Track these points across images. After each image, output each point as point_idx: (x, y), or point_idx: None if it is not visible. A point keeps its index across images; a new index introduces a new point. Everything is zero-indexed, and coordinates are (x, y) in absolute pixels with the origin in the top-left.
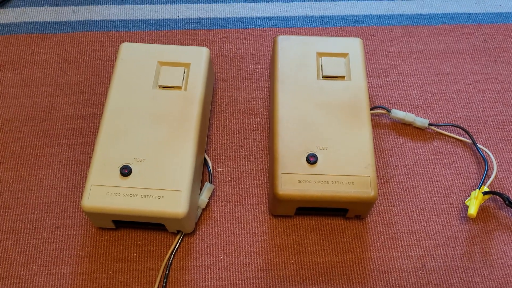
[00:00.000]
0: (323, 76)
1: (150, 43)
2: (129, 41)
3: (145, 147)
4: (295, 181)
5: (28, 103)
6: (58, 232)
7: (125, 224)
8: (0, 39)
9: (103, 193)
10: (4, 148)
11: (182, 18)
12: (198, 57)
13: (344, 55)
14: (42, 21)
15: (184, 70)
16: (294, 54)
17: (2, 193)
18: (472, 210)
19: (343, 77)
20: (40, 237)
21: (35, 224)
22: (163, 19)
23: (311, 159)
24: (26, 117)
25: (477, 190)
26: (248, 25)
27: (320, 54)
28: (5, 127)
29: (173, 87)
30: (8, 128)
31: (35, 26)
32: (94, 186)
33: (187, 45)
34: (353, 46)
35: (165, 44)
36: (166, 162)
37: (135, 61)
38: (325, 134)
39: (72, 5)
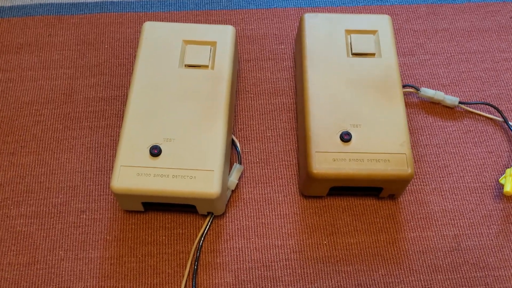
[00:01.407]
0: (352, 54)
1: None
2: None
3: (174, 127)
4: (329, 159)
5: (47, 86)
6: (84, 216)
7: (154, 206)
8: (16, 21)
9: (133, 174)
10: (25, 132)
11: None
12: (224, 35)
13: (373, 32)
14: (59, 2)
15: (210, 48)
16: (322, 31)
17: (25, 177)
18: (509, 188)
19: (373, 54)
20: (65, 221)
21: (59, 208)
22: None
23: (345, 137)
24: (46, 100)
25: None
26: (269, 5)
27: (349, 32)
28: (25, 110)
29: (199, 66)
30: (28, 111)
31: (51, 7)
32: (124, 167)
33: None
34: (382, 23)
35: None
36: (196, 141)
37: (159, 40)
38: (358, 111)
39: None
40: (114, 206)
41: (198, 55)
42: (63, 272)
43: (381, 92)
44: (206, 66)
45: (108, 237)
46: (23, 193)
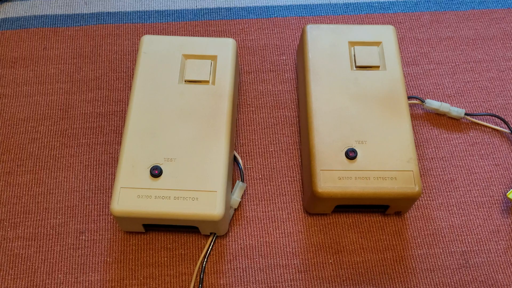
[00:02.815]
0: (356, 66)
1: (168, 35)
2: (146, 34)
3: (175, 146)
4: (335, 178)
5: (43, 101)
6: (83, 237)
7: (155, 227)
8: (10, 34)
9: (134, 196)
10: (20, 150)
11: (201, 8)
12: (224, 49)
13: (377, 43)
14: (53, 14)
15: (211, 63)
16: (325, 43)
17: (21, 197)
18: None
19: (378, 67)
20: (64, 243)
21: (58, 230)
22: (180, 10)
23: (351, 154)
24: (42, 116)
25: None
26: (270, 15)
27: (352, 43)
28: (20, 127)
29: (200, 82)
30: (24, 128)
31: (46, 19)
32: (124, 188)
33: (208, 36)
34: (386, 34)
35: (185, 36)
36: (198, 161)
37: (158, 54)
38: (363, 127)
39: None
40: (114, 226)
41: (198, 70)
42: None
43: (387, 106)
44: (207, 82)
45: (108, 259)
46: (20, 214)
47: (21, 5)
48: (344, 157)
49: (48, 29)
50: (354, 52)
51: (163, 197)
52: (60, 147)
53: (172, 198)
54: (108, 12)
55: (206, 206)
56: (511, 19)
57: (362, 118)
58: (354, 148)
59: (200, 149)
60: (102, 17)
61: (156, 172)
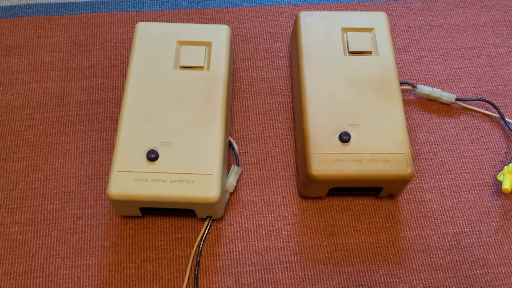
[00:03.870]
0: (349, 52)
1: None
2: (141, 22)
3: (170, 130)
4: (328, 160)
5: (38, 89)
6: (80, 222)
7: (152, 211)
8: (4, 22)
9: (130, 179)
10: (17, 137)
11: None
12: (219, 35)
13: (370, 29)
14: (47, 2)
15: (206, 49)
16: (318, 30)
17: (18, 184)
18: (507, 185)
19: (370, 52)
20: (61, 228)
21: (55, 215)
22: None
23: (344, 138)
24: (38, 104)
25: (510, 164)
26: (264, 3)
27: (345, 30)
28: (16, 114)
29: (195, 67)
30: (19, 116)
31: (40, 8)
32: (120, 172)
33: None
34: (378, 20)
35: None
36: (194, 145)
37: (153, 41)
38: (356, 111)
39: None
40: (110, 211)
41: (193, 56)
42: (61, 280)
43: (379, 91)
44: (202, 67)
45: (105, 243)
46: (17, 200)
47: None
48: (338, 140)
49: (43, 18)
50: (347, 38)
51: (159, 180)
52: (56, 134)
53: (169, 181)
54: (103, 0)
55: (202, 189)
56: (501, 6)
57: (355, 102)
58: (347, 131)
59: (196, 133)
60: (96, 5)
61: (152, 156)
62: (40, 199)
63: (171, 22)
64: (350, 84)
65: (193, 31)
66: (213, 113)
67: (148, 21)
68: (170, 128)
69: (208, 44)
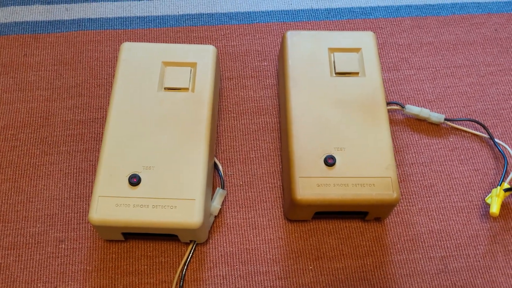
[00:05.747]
0: (336, 73)
1: (150, 41)
2: (128, 40)
3: (153, 154)
4: (313, 185)
5: (23, 109)
6: (63, 245)
7: (135, 235)
8: None
9: (112, 204)
10: (0, 158)
11: (183, 14)
12: (204, 56)
13: (357, 50)
14: (34, 20)
15: (191, 70)
16: (305, 50)
17: (1, 206)
18: (495, 209)
19: (357, 73)
20: (43, 251)
21: (37, 238)
22: (162, 16)
23: (329, 161)
24: (22, 124)
25: (498, 187)
26: (252, 20)
27: (332, 50)
28: (0, 134)
29: (179, 89)
30: (3, 136)
31: (26, 26)
32: (102, 197)
33: (189, 42)
34: (365, 40)
35: (166, 42)
36: (177, 169)
37: (137, 62)
38: (342, 134)
39: (65, 3)
40: (93, 234)
41: (177, 77)
42: None
43: (366, 113)
44: (186, 89)
45: (88, 268)
46: None
47: (1, 11)
48: (323, 164)
49: (29, 36)
50: (334, 58)
51: (141, 206)
52: (40, 155)
53: (151, 207)
54: (90, 18)
55: (185, 214)
56: (491, 24)
57: (341, 124)
58: (332, 155)
59: (179, 157)
60: (83, 23)
61: (134, 180)
62: (23, 222)
63: (159, 40)
64: (336, 106)
65: (178, 52)
66: (197, 136)
67: (135, 39)
68: (153, 151)
69: (193, 65)
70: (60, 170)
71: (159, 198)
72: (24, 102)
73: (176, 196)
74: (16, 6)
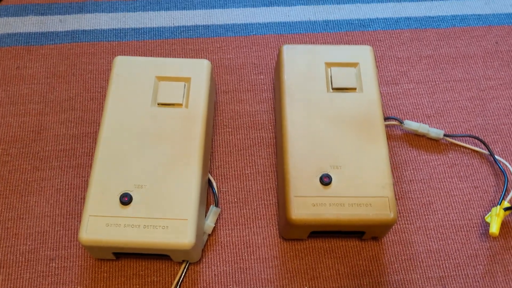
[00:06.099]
0: (333, 88)
1: (144, 53)
2: (122, 52)
3: (145, 172)
4: (308, 204)
5: (15, 123)
6: (54, 264)
7: (126, 254)
8: None
9: (102, 224)
10: None
11: (178, 26)
12: (198, 70)
13: (354, 64)
14: (27, 32)
15: (185, 85)
16: (301, 64)
17: None
18: (494, 229)
19: (354, 89)
20: (33, 270)
21: (27, 256)
22: (157, 27)
23: (325, 180)
24: (14, 138)
25: (498, 206)
26: (248, 32)
27: (329, 64)
28: None
29: (173, 105)
30: None
31: (19, 37)
32: (92, 217)
33: (184, 54)
34: (363, 54)
35: (161, 55)
36: (169, 188)
37: (131, 76)
38: (339, 151)
39: (59, 14)
40: (85, 253)
41: (171, 93)
42: None
43: (363, 130)
44: (180, 105)
45: (79, 287)
46: None
47: None
48: (319, 183)
49: (22, 48)
50: (331, 73)
51: (132, 226)
52: (31, 171)
53: (142, 227)
54: (84, 30)
55: (177, 235)
56: (492, 36)
57: (338, 142)
58: (328, 173)
59: (171, 175)
60: (77, 35)
61: (125, 199)
62: (13, 239)
63: (153, 52)
64: (333, 122)
65: (172, 66)
66: (190, 153)
67: (129, 51)
68: (145, 169)
69: (187, 80)
70: (52, 186)
71: (150, 218)
72: (16, 115)
73: (168, 216)
74: (9, 17)
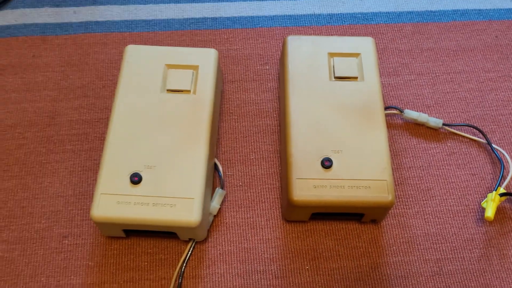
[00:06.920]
0: (335, 77)
1: (154, 44)
2: (133, 42)
3: (155, 154)
4: (310, 186)
5: (30, 108)
6: (66, 241)
7: (136, 232)
8: (0, 42)
9: (113, 202)
10: (7, 155)
11: (187, 18)
12: (206, 59)
13: (356, 55)
14: (43, 22)
15: (193, 73)
16: (305, 54)
17: (7, 202)
18: (490, 213)
19: (356, 78)
20: (47, 247)
21: (42, 234)
22: (167, 19)
23: (326, 163)
24: (29, 123)
25: (494, 192)
26: (254, 25)
27: (332, 55)
28: (8, 133)
29: (181, 91)
30: (11, 135)
31: (35, 28)
32: (104, 195)
33: (193, 45)
34: (365, 45)
35: (171, 45)
36: (177, 168)
37: (141, 64)
38: (339, 137)
39: (73, 6)
40: (96, 231)
41: (180, 79)
42: None
43: (363, 117)
44: (188, 91)
45: (90, 263)
46: (5, 218)
47: (11, 13)
48: (320, 166)
49: (37, 37)
50: (333, 63)
51: (142, 204)
52: (46, 153)
53: (151, 205)
54: (97, 21)
55: (183, 213)
56: (492, 30)
57: (339, 128)
58: (329, 157)
59: (180, 157)
60: (90, 26)
61: (136, 179)
62: (28, 218)
63: (163, 43)
64: (334, 110)
65: (181, 55)
66: (197, 136)
67: (140, 42)
68: (155, 151)
69: (195, 68)
70: (65, 168)
71: (159, 196)
72: (31, 101)
73: (176, 195)
74: (26, 9)
